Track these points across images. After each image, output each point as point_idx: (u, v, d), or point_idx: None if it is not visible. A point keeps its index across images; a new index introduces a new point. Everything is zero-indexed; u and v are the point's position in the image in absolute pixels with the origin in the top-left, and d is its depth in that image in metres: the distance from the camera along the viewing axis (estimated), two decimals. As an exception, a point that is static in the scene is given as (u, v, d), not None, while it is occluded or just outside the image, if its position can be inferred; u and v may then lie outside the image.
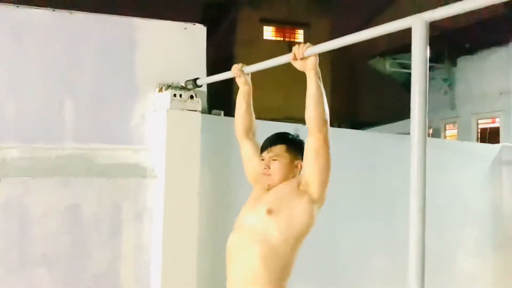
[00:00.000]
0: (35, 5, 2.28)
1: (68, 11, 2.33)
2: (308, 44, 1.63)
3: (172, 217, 2.34)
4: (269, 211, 1.58)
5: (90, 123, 2.36)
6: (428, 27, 1.39)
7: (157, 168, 2.42)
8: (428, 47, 1.40)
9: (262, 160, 1.68)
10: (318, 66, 1.61)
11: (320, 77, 1.61)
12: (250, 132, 1.89)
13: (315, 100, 1.56)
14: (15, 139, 2.18)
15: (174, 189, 2.35)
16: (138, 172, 2.40)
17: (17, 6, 2.19)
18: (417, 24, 1.39)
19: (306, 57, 1.61)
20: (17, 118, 2.21)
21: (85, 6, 2.56)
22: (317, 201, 1.60)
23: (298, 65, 1.63)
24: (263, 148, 1.69)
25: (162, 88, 2.50)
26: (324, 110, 1.57)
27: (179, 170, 2.37)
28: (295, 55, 1.62)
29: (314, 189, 1.58)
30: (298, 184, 1.61)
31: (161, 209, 2.34)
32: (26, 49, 2.25)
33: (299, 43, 1.70)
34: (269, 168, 1.64)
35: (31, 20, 2.26)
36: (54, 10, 2.28)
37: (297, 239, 1.61)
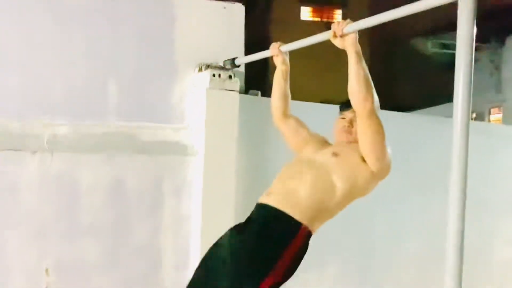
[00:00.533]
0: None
1: (111, -9, 2.39)
2: (348, 20, 1.61)
3: (210, 192, 2.41)
4: (335, 154, 1.66)
5: (132, 101, 2.45)
6: (476, 1, 1.33)
7: (196, 146, 2.49)
8: (475, 24, 1.35)
9: (343, 118, 1.75)
10: (358, 43, 1.60)
11: (361, 54, 1.60)
12: (287, 110, 1.91)
13: (356, 77, 1.56)
14: (64, 116, 2.30)
15: (212, 166, 2.42)
16: (178, 150, 2.48)
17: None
18: (465, -2, 1.33)
19: (345, 34, 1.59)
20: (65, 96, 2.32)
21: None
22: (376, 175, 1.63)
23: (337, 42, 1.62)
24: (345, 107, 1.73)
25: (201, 67, 2.54)
26: (365, 86, 1.56)
27: (217, 148, 2.43)
28: (334, 33, 1.61)
29: (370, 163, 1.62)
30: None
31: (200, 185, 2.42)
32: (69, 31, 2.33)
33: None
34: (352, 126, 1.69)
35: (73, 2, 2.34)
36: (97, -8, 2.35)
37: (348, 195, 1.65)
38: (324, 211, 1.63)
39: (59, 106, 2.30)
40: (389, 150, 1.67)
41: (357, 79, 1.55)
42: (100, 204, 2.33)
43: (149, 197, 2.43)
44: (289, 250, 1.56)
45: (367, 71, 1.58)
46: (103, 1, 2.41)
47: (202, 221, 2.39)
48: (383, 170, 1.65)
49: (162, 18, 2.52)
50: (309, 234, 1.61)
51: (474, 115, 8.90)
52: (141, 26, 2.49)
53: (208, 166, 2.41)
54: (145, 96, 2.49)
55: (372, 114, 1.57)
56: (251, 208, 1.77)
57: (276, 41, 1.98)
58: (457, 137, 1.31)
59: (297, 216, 1.59)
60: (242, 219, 1.79)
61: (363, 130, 1.59)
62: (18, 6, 2.24)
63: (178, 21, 2.53)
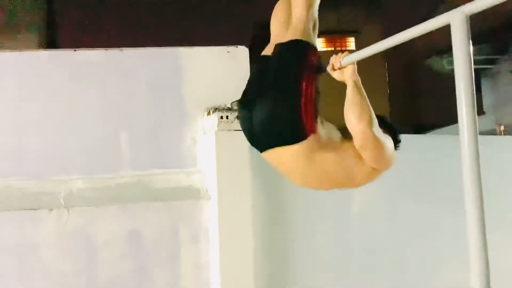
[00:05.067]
0: (90, 47, 2.47)
1: (119, 48, 2.51)
2: (345, 52, 1.61)
3: (227, 235, 2.38)
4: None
5: (145, 151, 2.50)
6: (468, 21, 1.31)
7: (210, 189, 2.49)
8: (471, 42, 1.32)
9: None
10: (357, 73, 1.59)
11: (359, 84, 1.58)
12: None
13: (350, 105, 1.55)
14: (79, 171, 2.36)
15: (227, 208, 2.40)
16: (192, 194, 2.48)
17: (75, 50, 2.40)
18: (456, 19, 1.32)
19: (343, 66, 1.59)
20: (80, 151, 2.40)
21: (135, 42, 2.72)
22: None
23: (336, 75, 1.62)
24: None
25: (209, 111, 2.58)
26: (358, 113, 1.54)
27: (231, 189, 2.41)
28: (333, 65, 1.61)
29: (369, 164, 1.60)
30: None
31: (217, 228, 2.39)
32: (83, 88, 2.45)
33: (351, 51, 1.69)
34: None
35: (87, 61, 2.46)
36: (106, 50, 2.47)
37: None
38: None
39: (74, 162, 2.38)
40: (390, 145, 1.61)
41: (351, 107, 1.54)
42: (118, 257, 2.34)
43: (167, 246, 2.43)
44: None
45: (365, 100, 1.56)
46: (114, 58, 2.52)
47: (220, 268, 2.34)
48: (381, 167, 1.61)
49: (169, 69, 2.61)
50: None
51: (502, 127, 8.61)
52: (150, 78, 2.58)
53: (222, 209, 2.39)
54: (157, 144, 2.54)
55: (367, 138, 1.54)
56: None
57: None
58: (465, 158, 1.24)
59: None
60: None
61: (362, 152, 1.56)
62: (34, 67, 2.38)
63: (185, 70, 2.61)
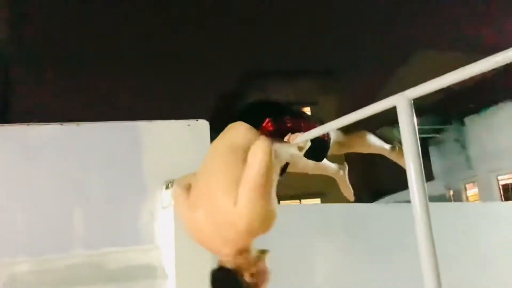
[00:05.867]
0: (44, 121, 2.43)
1: (76, 123, 2.48)
2: (299, 133, 1.68)
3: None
4: None
5: (99, 228, 2.38)
6: (412, 104, 1.43)
7: (167, 267, 2.37)
8: (415, 122, 1.44)
9: None
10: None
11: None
12: None
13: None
14: (26, 253, 2.20)
15: (186, 288, 2.28)
16: (149, 273, 2.35)
17: (28, 125, 2.34)
18: (401, 102, 1.44)
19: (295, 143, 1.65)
20: (29, 231, 2.25)
21: (91, 117, 2.71)
22: None
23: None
24: None
25: (168, 185, 2.54)
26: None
27: (189, 268, 2.31)
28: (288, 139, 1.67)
29: None
30: None
31: (174, 312, 2.25)
32: (36, 164, 2.36)
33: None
34: None
35: (40, 136, 2.40)
36: (62, 124, 2.43)
37: None
38: None
39: (19, 242, 2.21)
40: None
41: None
42: None
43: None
44: None
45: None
46: (69, 133, 2.47)
47: None
48: None
49: (128, 142, 2.58)
50: None
51: (451, 192, 9.02)
52: (108, 152, 2.53)
53: (180, 289, 2.27)
54: (113, 220, 2.43)
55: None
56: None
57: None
58: (419, 223, 1.29)
59: None
60: None
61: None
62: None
63: (144, 144, 2.59)
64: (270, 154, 1.46)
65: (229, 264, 1.49)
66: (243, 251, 1.49)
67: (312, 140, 1.67)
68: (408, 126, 1.42)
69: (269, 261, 1.53)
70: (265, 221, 1.45)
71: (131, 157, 2.55)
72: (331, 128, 1.62)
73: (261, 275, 1.50)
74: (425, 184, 1.40)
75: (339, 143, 2.08)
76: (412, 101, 1.45)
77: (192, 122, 2.77)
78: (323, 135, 1.81)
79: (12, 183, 2.30)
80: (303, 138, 1.64)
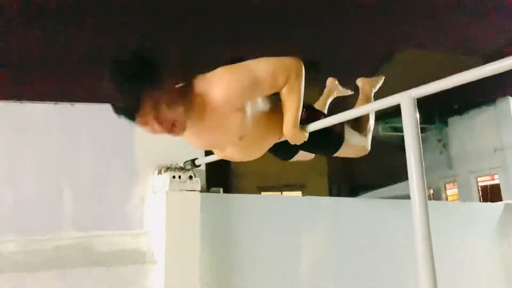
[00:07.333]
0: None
1: (70, 103, 2.42)
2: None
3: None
4: None
5: (89, 210, 2.35)
6: (415, 103, 1.45)
7: (157, 253, 2.37)
8: (418, 121, 1.46)
9: None
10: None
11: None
12: None
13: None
14: (13, 232, 2.15)
15: (174, 275, 2.27)
16: (137, 258, 2.34)
17: (20, 102, 2.28)
18: (405, 101, 1.46)
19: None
20: (16, 210, 2.20)
21: (87, 98, 2.66)
22: None
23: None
24: None
25: (161, 170, 2.52)
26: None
27: (179, 254, 2.31)
28: None
29: None
30: None
31: (162, 296, 2.25)
32: (27, 142, 2.30)
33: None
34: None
35: (33, 114, 2.33)
36: (56, 104, 2.37)
37: None
38: None
39: (7, 221, 2.17)
40: None
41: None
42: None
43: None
44: None
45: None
46: (63, 113, 2.42)
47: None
48: None
49: (121, 126, 2.52)
50: None
51: (431, 191, 9.22)
52: (101, 133, 2.49)
53: (169, 275, 2.27)
54: (103, 203, 2.40)
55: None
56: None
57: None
58: (416, 217, 1.31)
59: None
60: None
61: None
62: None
63: (138, 128, 2.55)
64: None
65: None
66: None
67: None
68: (410, 124, 1.44)
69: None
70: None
71: (124, 141, 2.52)
72: (339, 120, 1.64)
73: None
74: (425, 184, 1.43)
75: None
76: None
77: (186, 108, 2.75)
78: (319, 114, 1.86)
79: (0, 161, 2.24)
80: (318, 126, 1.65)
